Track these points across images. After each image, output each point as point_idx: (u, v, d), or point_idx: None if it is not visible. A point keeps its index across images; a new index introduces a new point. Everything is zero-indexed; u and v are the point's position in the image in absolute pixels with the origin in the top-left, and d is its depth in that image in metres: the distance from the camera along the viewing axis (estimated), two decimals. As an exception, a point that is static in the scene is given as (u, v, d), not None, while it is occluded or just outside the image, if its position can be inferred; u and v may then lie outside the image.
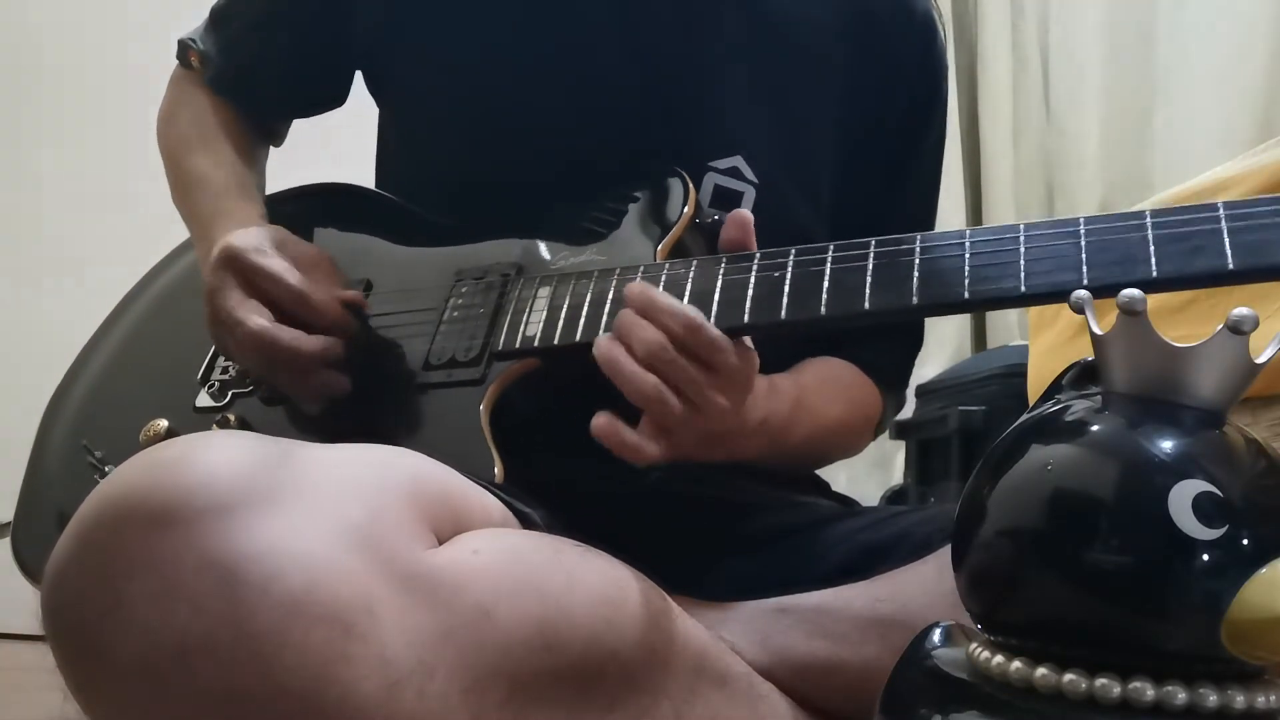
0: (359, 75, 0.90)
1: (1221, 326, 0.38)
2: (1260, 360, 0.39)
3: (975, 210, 2.18)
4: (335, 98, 0.92)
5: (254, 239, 0.74)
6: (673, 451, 0.64)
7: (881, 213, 0.84)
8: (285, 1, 0.88)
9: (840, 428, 0.80)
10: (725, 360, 0.61)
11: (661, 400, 0.61)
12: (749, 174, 0.79)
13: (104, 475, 0.74)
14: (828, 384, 0.79)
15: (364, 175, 0.91)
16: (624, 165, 0.78)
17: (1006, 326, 2.08)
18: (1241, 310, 0.38)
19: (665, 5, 0.80)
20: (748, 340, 0.64)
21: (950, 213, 2.09)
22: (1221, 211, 0.54)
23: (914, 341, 0.90)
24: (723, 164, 0.79)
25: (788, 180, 0.80)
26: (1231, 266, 0.53)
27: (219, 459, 0.45)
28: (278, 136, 0.94)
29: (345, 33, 0.86)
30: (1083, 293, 0.41)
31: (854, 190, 0.83)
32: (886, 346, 0.86)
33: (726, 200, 0.78)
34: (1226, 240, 0.53)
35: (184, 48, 0.92)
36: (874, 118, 0.84)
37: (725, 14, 0.81)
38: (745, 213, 0.68)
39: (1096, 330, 0.41)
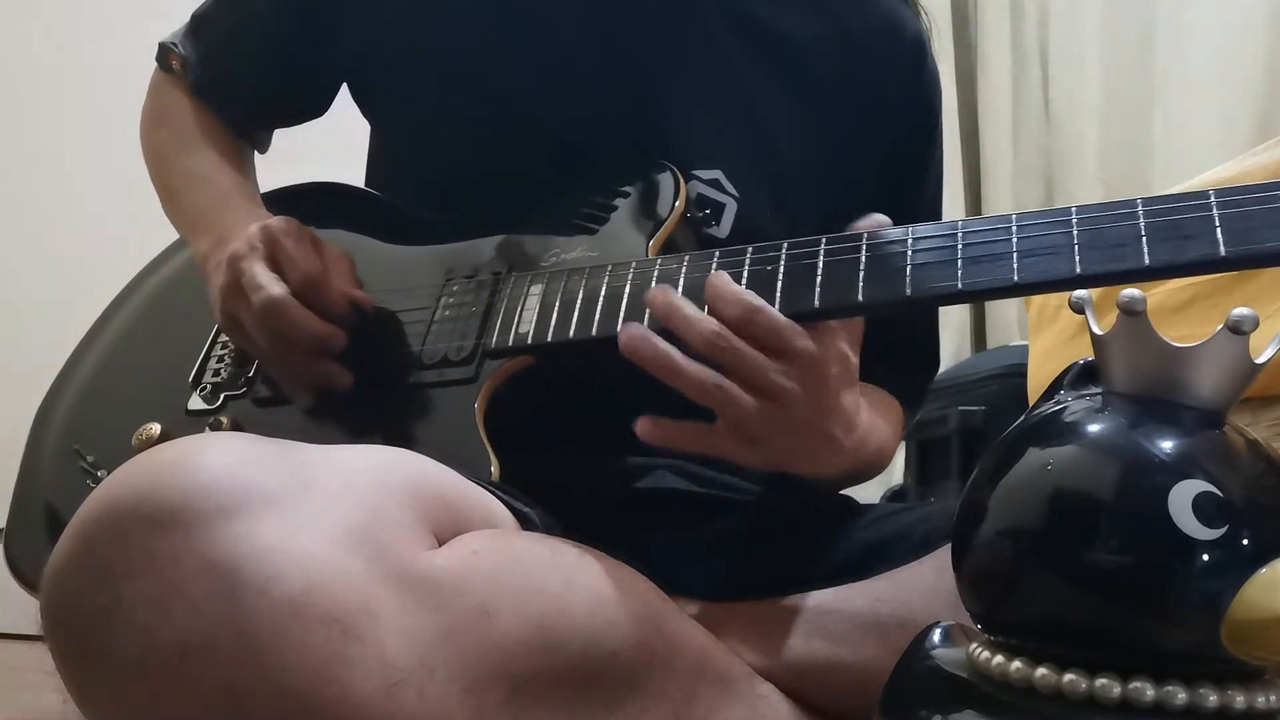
0: (344, 89, 0.90)
1: (1221, 327, 0.38)
2: (1260, 360, 0.39)
3: (975, 210, 2.18)
4: (314, 109, 0.92)
5: (291, 224, 0.75)
6: (765, 456, 0.62)
7: None
8: (264, 14, 0.87)
9: (890, 444, 0.78)
10: (793, 344, 0.58)
11: (724, 390, 0.58)
12: (730, 188, 0.78)
13: (96, 480, 0.74)
14: (876, 400, 0.79)
15: (349, 174, 0.91)
16: (611, 167, 0.78)
17: (1006, 326, 2.08)
18: (1241, 310, 0.38)
19: (653, 19, 0.79)
20: (836, 333, 0.61)
21: (950, 212, 2.08)
22: (1213, 199, 0.54)
23: (931, 363, 0.90)
24: (705, 174, 0.78)
25: (768, 198, 0.79)
26: (1223, 253, 0.52)
27: (218, 460, 0.45)
28: (261, 144, 0.94)
29: (325, 45, 0.86)
30: (1083, 293, 0.41)
31: (849, 214, 0.82)
32: (905, 367, 0.85)
33: (709, 209, 0.78)
34: (1218, 227, 0.53)
35: (164, 51, 0.92)
36: (863, 142, 0.83)
37: (713, 32, 0.80)
38: (882, 217, 0.63)
39: (1096, 330, 0.41)
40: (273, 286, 0.70)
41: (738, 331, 0.58)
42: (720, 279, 0.60)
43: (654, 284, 0.65)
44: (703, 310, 0.60)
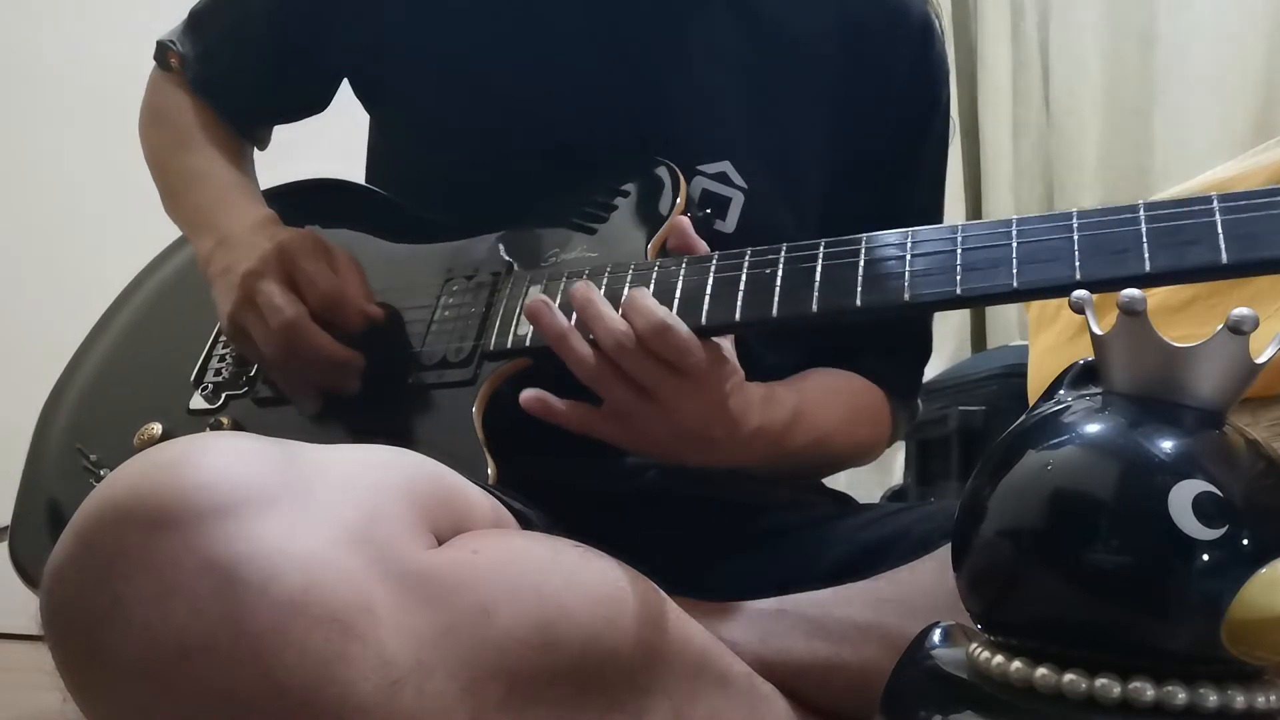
0: (346, 82, 0.90)
1: (1221, 326, 0.38)
2: (1260, 360, 0.39)
3: (975, 210, 2.18)
4: (315, 105, 0.92)
5: (307, 241, 0.75)
6: (639, 442, 0.65)
7: (882, 221, 0.84)
8: (262, 9, 0.87)
9: (844, 436, 0.78)
10: (693, 363, 0.61)
11: (608, 377, 0.62)
12: (737, 179, 0.78)
13: (99, 478, 0.74)
14: (830, 393, 0.78)
15: (350, 170, 0.91)
16: (613, 164, 0.77)
17: (1006, 326, 2.08)
18: (1241, 310, 0.38)
19: (656, 11, 0.79)
20: (727, 345, 0.64)
21: (951, 212, 2.08)
22: (1215, 204, 0.54)
23: (922, 350, 0.89)
24: (711, 168, 0.78)
25: (776, 188, 0.79)
26: (1225, 260, 0.52)
27: (218, 460, 0.45)
28: (261, 141, 0.94)
29: (325, 42, 0.85)
30: (1083, 293, 0.41)
31: (852, 199, 0.82)
32: (894, 356, 0.85)
33: (714, 204, 0.78)
34: (1220, 233, 0.53)
35: (163, 49, 0.92)
36: (870, 126, 0.83)
37: (717, 22, 0.80)
38: (682, 219, 0.69)
39: (1096, 330, 0.41)
40: (290, 309, 0.71)
41: (644, 342, 0.60)
42: (638, 293, 0.62)
43: (651, 287, 0.65)
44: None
